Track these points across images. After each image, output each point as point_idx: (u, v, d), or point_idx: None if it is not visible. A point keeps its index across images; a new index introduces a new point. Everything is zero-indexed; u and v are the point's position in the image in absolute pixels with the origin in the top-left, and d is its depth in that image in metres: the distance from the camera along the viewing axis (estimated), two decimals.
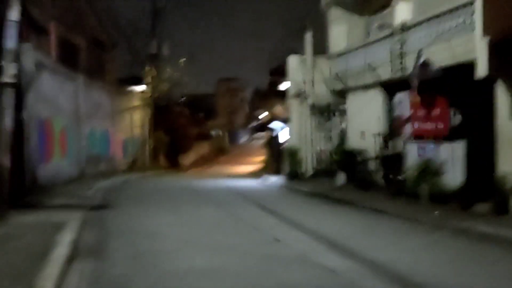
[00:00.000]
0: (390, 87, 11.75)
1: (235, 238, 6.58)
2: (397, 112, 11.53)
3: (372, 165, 12.10)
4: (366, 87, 12.64)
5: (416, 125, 9.58)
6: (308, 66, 16.50)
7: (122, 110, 22.02)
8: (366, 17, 14.95)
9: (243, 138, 75.48)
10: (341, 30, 15.51)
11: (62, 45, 19.21)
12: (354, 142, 13.33)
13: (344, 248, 5.89)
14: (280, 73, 26.94)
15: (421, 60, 8.81)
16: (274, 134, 23.56)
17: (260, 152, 43.25)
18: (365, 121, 12.75)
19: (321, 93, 16.26)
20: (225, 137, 67.23)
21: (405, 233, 7.11)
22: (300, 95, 16.98)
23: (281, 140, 20.82)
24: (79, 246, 5.81)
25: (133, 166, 22.68)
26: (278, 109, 25.30)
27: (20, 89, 11.24)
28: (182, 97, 35.50)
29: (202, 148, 45.01)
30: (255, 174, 24.49)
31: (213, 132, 61.28)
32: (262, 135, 41.94)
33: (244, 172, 28.41)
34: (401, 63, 10.93)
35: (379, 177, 11.68)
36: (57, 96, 14.31)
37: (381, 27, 13.93)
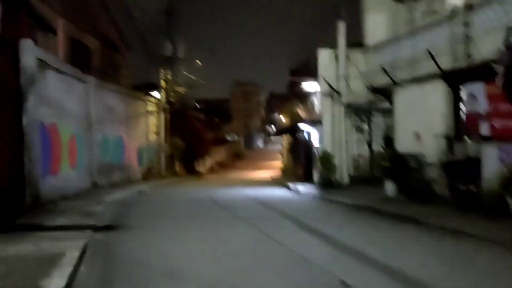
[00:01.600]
0: (452, 78, 9.82)
1: (286, 280, 4.81)
2: (467, 107, 9.46)
3: (431, 173, 10.14)
4: (421, 79, 10.72)
5: (497, 122, 7.71)
6: (341, 60, 14.73)
7: (137, 116, 20.58)
8: (408, 3, 13.11)
9: (259, 143, 73.92)
10: (379, 18, 13.77)
11: (72, 45, 17.91)
12: (404, 145, 11.41)
13: None
14: (302, 73, 25.23)
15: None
16: (299, 137, 21.78)
17: (277, 157, 41.55)
18: (420, 119, 10.83)
19: (357, 91, 14.49)
20: (241, 141, 65.82)
21: None
22: (333, 93, 15.19)
23: (308, 144, 19.01)
24: None
25: (148, 175, 21.34)
26: (300, 111, 23.61)
27: (19, 90, 9.82)
28: (197, 102, 34.31)
29: (219, 154, 43.57)
30: (277, 181, 22.77)
31: (229, 137, 59.92)
32: (280, 139, 40.16)
33: (264, 178, 26.75)
34: (467, 49, 9.05)
35: (442, 188, 9.72)
36: (64, 99, 12.82)
37: (429, 12, 12.06)
